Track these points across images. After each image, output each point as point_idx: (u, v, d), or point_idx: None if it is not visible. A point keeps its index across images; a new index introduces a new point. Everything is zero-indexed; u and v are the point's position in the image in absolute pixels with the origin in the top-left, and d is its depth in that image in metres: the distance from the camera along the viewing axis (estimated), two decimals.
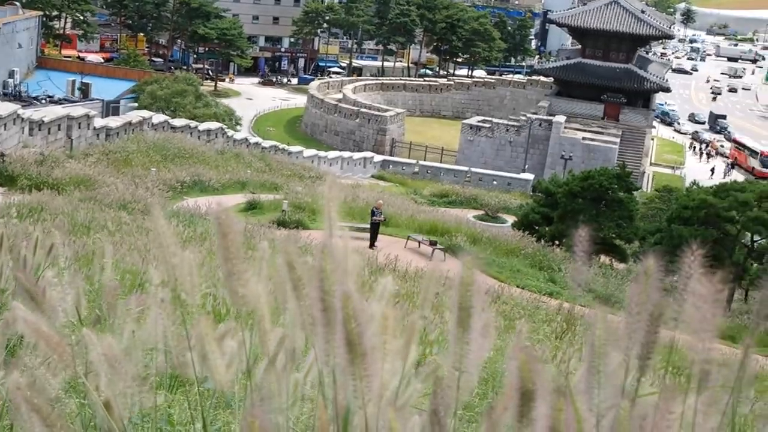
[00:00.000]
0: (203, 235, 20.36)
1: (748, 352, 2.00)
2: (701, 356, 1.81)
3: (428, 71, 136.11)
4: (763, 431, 1.98)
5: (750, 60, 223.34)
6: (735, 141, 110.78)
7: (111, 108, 74.90)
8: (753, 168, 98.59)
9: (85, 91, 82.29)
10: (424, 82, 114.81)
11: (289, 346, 2.21)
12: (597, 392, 1.84)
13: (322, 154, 69.66)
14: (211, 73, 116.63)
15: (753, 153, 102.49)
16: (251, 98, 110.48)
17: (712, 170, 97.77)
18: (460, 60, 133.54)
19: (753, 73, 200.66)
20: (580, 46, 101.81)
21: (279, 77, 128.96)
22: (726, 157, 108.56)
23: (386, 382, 1.91)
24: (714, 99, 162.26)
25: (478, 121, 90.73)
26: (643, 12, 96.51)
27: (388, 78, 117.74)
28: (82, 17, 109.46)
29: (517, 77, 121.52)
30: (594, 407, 1.81)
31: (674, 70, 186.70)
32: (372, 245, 32.09)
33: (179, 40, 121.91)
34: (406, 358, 2.10)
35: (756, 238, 40.10)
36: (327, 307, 1.82)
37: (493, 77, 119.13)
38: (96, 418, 2.14)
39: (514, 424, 1.65)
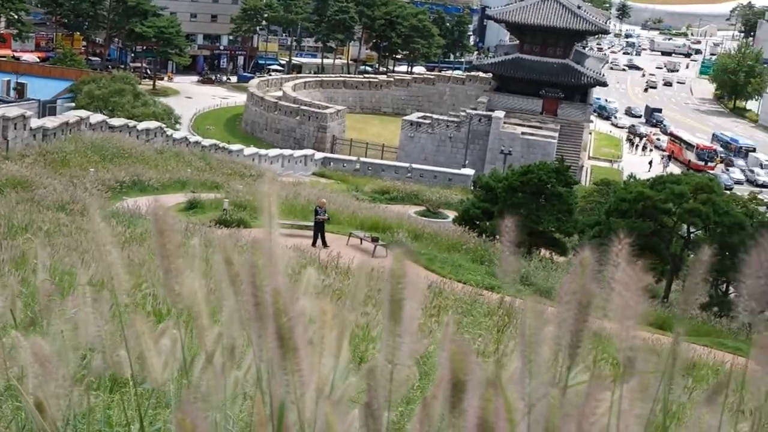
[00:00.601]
0: (143, 235, 20.18)
1: (677, 339, 2.05)
2: (625, 344, 1.85)
3: (368, 68, 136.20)
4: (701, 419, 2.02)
5: (684, 54, 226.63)
6: (671, 134, 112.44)
7: (47, 108, 73.88)
8: (689, 161, 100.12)
9: (20, 91, 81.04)
10: (364, 79, 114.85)
11: (228, 343, 2.22)
12: (528, 382, 1.86)
13: (262, 152, 69.32)
14: (149, 72, 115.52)
15: (689, 146, 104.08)
16: (190, 97, 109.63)
17: (650, 163, 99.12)
18: (399, 56, 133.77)
19: (687, 67, 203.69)
20: (518, 42, 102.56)
21: (218, 75, 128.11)
22: (663, 150, 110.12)
23: (323, 377, 1.92)
24: (646, 90, 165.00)
25: (418, 118, 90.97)
26: (579, 7, 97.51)
27: (328, 75, 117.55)
28: (16, 16, 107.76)
29: (457, 73, 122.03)
30: (525, 396, 1.82)
31: (628, 66, 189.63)
32: (314, 243, 32.09)
33: (116, 39, 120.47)
34: (338, 352, 2.10)
35: (692, 229, 40.73)
36: (259, 303, 1.82)
37: (433, 73, 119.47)
38: (30, 422, 2.13)
39: (446, 414, 1.66)
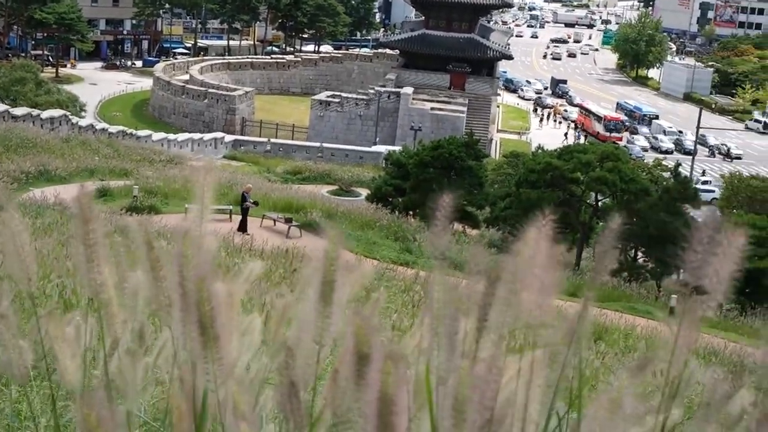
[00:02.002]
0: (51, 226, 19.85)
1: (586, 305, 2.10)
2: (535, 312, 1.90)
3: (275, 48, 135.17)
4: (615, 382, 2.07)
5: (586, 25, 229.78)
6: (581, 106, 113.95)
7: None
8: (598, 132, 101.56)
9: None
10: (271, 60, 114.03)
11: (137, 329, 2.22)
12: (437, 354, 1.87)
13: (171, 137, 68.51)
14: (51, 59, 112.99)
15: (597, 118, 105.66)
16: (95, 83, 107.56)
17: (566, 135, 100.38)
18: (306, 36, 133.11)
19: (590, 38, 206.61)
20: (423, 18, 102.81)
21: (123, 60, 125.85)
22: (573, 122, 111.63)
23: (235, 360, 1.94)
24: (544, 56, 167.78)
25: (328, 97, 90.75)
26: None
27: (234, 57, 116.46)
28: None
29: (364, 51, 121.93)
30: (434, 369, 1.85)
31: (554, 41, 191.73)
32: (243, 229, 31.77)
33: (15, 26, 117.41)
34: (253, 334, 2.12)
35: (600, 197, 41.53)
36: (185, 291, 1.84)
37: (340, 52, 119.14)
38: None
39: (350, 387, 1.69)
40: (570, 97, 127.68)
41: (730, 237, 1.83)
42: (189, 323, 1.82)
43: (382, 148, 72.64)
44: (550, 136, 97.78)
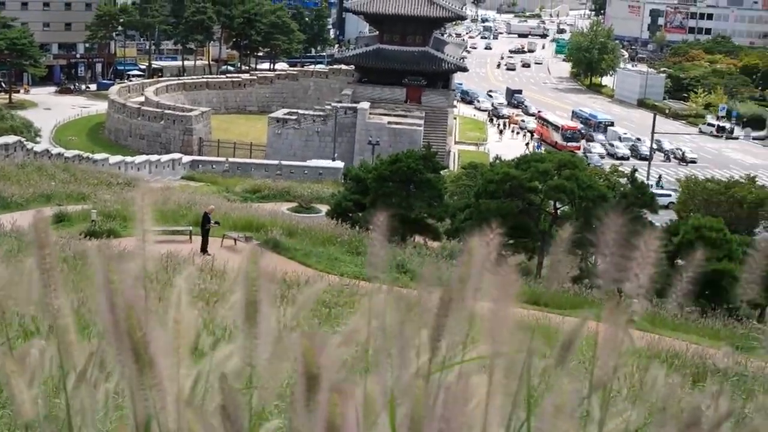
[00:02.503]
0: (10, 253, 19.65)
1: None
2: (493, 323, 1.87)
3: (230, 67, 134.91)
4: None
5: (539, 35, 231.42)
6: (539, 117, 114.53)
7: None
8: (556, 142, 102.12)
9: None
10: (226, 79, 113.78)
11: (97, 358, 2.19)
12: (390, 373, 1.87)
13: (128, 159, 68.10)
14: (3, 85, 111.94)
15: (555, 128, 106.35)
16: (49, 108, 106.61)
17: (527, 145, 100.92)
18: (261, 54, 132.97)
19: (544, 47, 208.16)
20: (377, 33, 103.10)
21: (77, 84, 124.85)
22: (529, 131, 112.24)
23: (182, 386, 1.89)
24: (498, 66, 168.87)
25: (285, 114, 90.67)
26: None
27: (190, 77, 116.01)
28: None
29: (319, 67, 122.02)
30: (387, 388, 1.84)
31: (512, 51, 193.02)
32: (204, 250, 31.64)
33: None
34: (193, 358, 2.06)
35: (558, 205, 41.81)
36: (117, 319, 1.79)
37: (296, 69, 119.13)
38: None
39: (301, 409, 1.66)
40: (526, 106, 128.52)
41: (647, 241, 1.87)
42: (123, 350, 1.78)
43: (341, 164, 72.72)
44: (510, 147, 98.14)
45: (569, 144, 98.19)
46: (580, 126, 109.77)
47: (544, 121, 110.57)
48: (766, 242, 2.01)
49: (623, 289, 1.89)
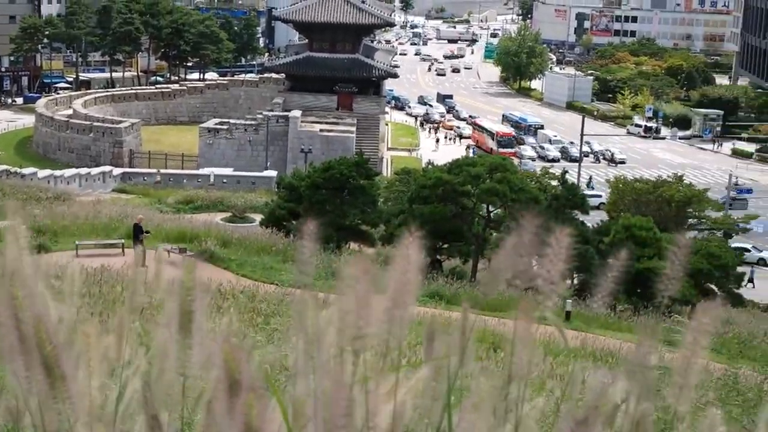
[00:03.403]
0: None
1: (466, 315, 2.16)
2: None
3: (159, 78, 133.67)
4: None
5: (468, 40, 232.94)
6: (474, 124, 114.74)
7: None
8: (491, 149, 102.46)
9: None
10: (156, 90, 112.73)
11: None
12: (312, 378, 1.87)
13: (57, 173, 67.19)
14: None
15: (490, 134, 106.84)
16: None
17: (468, 148, 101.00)
18: (190, 64, 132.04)
19: (473, 52, 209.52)
20: (307, 41, 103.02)
21: (2, 98, 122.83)
22: (467, 138, 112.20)
23: (95, 399, 1.88)
24: (429, 69, 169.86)
25: (216, 124, 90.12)
26: (363, 2, 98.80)
27: (119, 89, 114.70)
28: None
29: (250, 76, 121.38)
30: (311, 393, 1.84)
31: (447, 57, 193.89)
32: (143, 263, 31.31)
33: None
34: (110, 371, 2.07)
35: (491, 208, 42.17)
36: (23, 335, 1.74)
37: (226, 79, 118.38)
38: None
39: (223, 415, 1.65)
40: (457, 111, 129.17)
41: (558, 238, 1.94)
42: (32, 366, 1.73)
43: (273, 173, 72.49)
44: (447, 154, 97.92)
45: (504, 150, 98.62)
46: (514, 132, 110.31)
47: (479, 128, 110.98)
48: (686, 239, 2.08)
49: (536, 286, 1.95)
